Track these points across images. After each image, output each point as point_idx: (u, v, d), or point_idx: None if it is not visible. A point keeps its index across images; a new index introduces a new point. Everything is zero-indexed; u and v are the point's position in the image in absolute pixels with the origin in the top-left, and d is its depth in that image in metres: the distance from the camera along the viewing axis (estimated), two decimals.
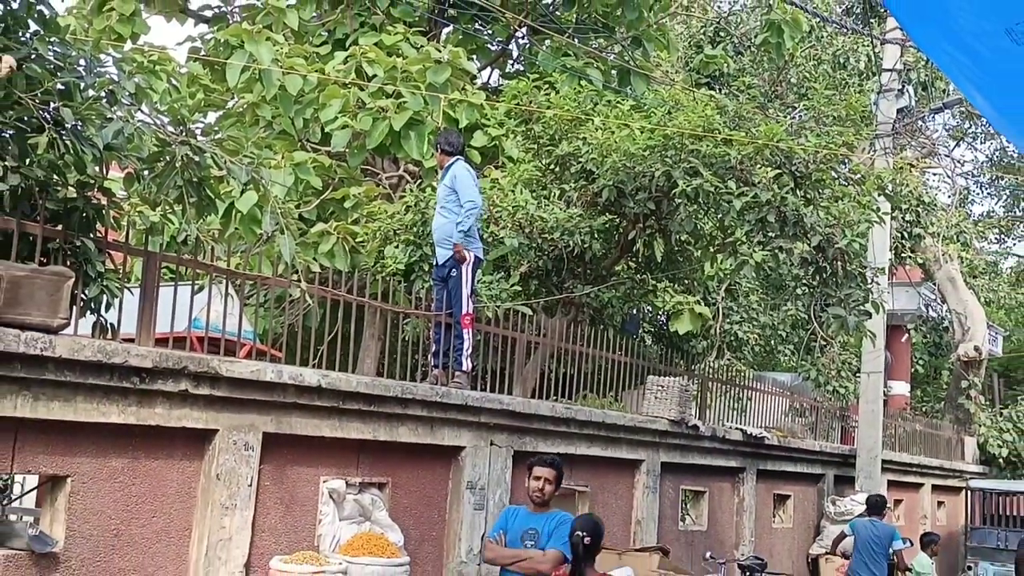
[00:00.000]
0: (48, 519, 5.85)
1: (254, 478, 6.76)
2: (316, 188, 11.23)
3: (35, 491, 7.45)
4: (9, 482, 9.47)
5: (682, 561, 10.88)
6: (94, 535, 5.92)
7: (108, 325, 6.39)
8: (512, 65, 14.93)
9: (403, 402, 7.79)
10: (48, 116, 5.53)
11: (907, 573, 12.70)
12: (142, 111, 6.31)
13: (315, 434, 7.21)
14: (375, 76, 10.99)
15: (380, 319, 10.72)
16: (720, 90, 15.48)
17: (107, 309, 6.35)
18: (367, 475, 7.73)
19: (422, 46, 11.52)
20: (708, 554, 10.70)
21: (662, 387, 11.19)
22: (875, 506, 12.15)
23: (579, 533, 8.43)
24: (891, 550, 11.81)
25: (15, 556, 5.55)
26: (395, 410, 7.76)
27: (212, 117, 12.94)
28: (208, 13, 13.78)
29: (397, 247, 10.80)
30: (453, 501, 8.53)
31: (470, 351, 8.87)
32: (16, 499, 8.82)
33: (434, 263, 9.30)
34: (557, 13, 14.02)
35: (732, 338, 15.67)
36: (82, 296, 6.09)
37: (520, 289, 10.88)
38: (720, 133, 10.16)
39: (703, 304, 11.72)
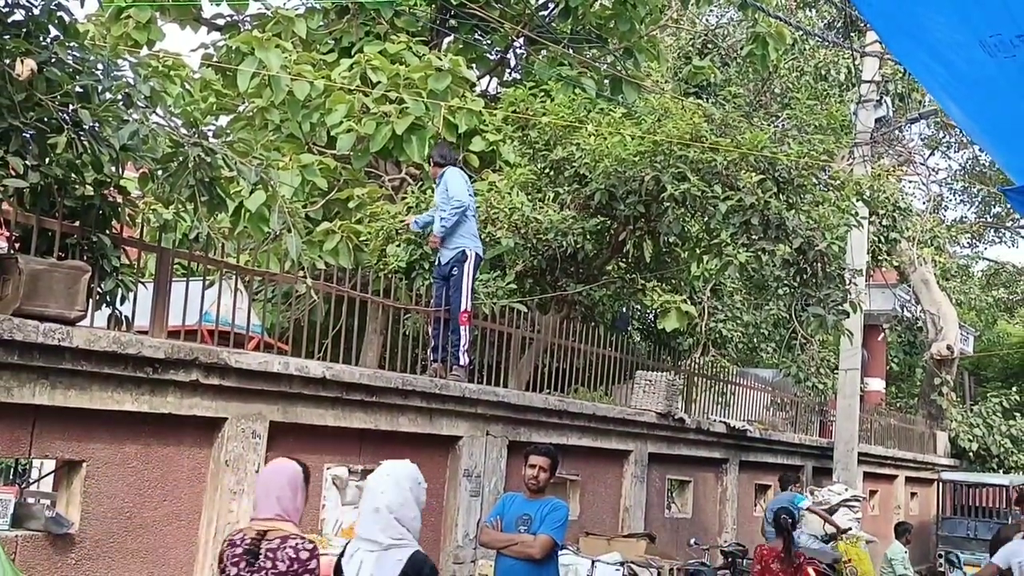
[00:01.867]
0: (64, 502, 5.85)
1: (261, 464, 6.75)
2: (322, 189, 11.20)
3: (52, 475, 7.43)
4: (27, 466, 9.47)
5: (668, 547, 10.88)
6: (108, 517, 5.91)
7: (123, 317, 6.37)
8: (510, 74, 14.91)
9: (403, 393, 7.80)
10: (67, 117, 5.51)
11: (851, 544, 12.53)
12: (157, 114, 6.28)
13: (319, 423, 7.21)
14: (379, 83, 10.96)
15: (382, 314, 10.70)
16: (707, 99, 15.48)
17: (122, 302, 6.33)
18: (369, 463, 7.73)
19: (424, 55, 11.49)
20: (693, 540, 10.70)
21: (650, 381, 11.20)
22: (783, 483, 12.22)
23: (784, 517, 8.70)
24: (797, 510, 11.42)
25: (32, 537, 5.54)
26: (396, 401, 7.76)
27: (223, 120, 12.89)
28: (220, 21, 13.73)
29: (399, 246, 10.79)
30: (450, 488, 8.53)
31: (467, 346, 8.87)
32: (33, 483, 8.80)
33: (435, 262, 9.32)
34: (553, 24, 14.00)
35: (717, 335, 15.66)
36: (98, 289, 6.08)
37: (516, 287, 10.86)
38: (707, 140, 10.17)
39: (689, 303, 11.69)
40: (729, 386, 14.37)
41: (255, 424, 6.70)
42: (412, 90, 10.79)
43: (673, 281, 12.55)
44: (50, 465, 7.30)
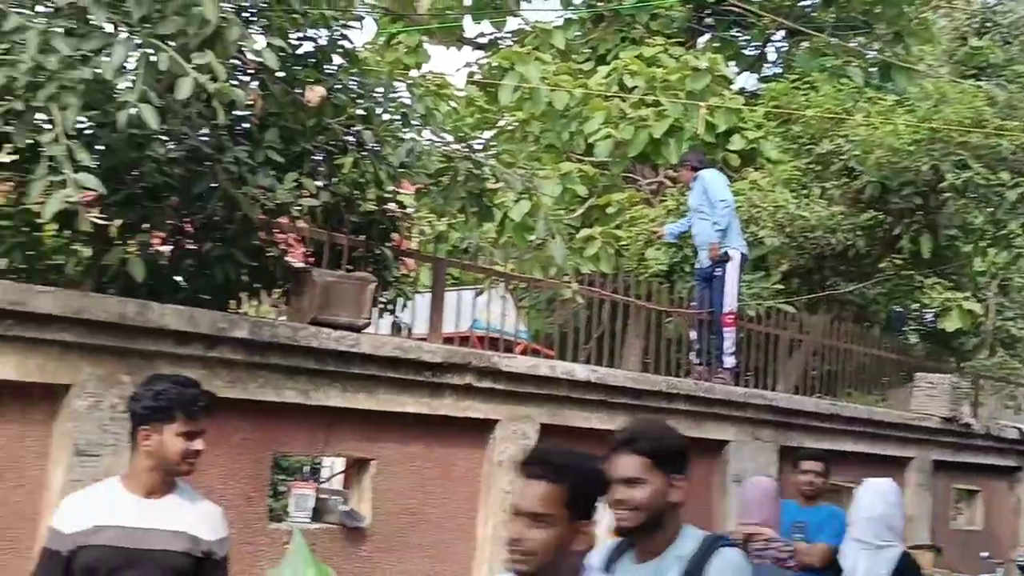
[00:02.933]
0: (356, 498, 6.24)
1: None
2: (581, 196, 11.38)
3: (342, 474, 7.99)
4: (319, 465, 10.22)
5: (955, 560, 10.17)
6: (395, 513, 6.24)
7: (403, 325, 6.74)
8: (769, 68, 14.52)
9: (668, 396, 7.75)
10: (352, 139, 5.92)
11: None
12: (429, 131, 6.61)
13: (585, 425, 7.29)
14: (635, 87, 11.00)
15: (643, 318, 10.71)
16: (988, 81, 14.37)
17: (402, 310, 6.70)
18: None
19: (680, 55, 11.41)
20: (985, 554, 9.95)
21: (931, 384, 10.55)
22: None
23: None
24: None
25: (330, 530, 5.96)
26: (660, 404, 7.72)
27: (487, 135, 13.37)
28: (482, 40, 14.26)
29: (659, 249, 10.77)
30: (719, 493, 8.38)
31: (733, 349, 8.71)
32: (325, 480, 9.48)
33: (695, 264, 9.23)
34: (815, 14, 13.49)
35: (1005, 335, 14.49)
36: (381, 299, 6.46)
37: (782, 287, 10.58)
38: (990, 124, 9.48)
39: (973, 300, 10.91)
40: (1021, 389, 13.28)
41: (525, 426, 6.87)
42: (669, 92, 10.73)
43: (954, 277, 11.74)
44: (339, 465, 7.82)
